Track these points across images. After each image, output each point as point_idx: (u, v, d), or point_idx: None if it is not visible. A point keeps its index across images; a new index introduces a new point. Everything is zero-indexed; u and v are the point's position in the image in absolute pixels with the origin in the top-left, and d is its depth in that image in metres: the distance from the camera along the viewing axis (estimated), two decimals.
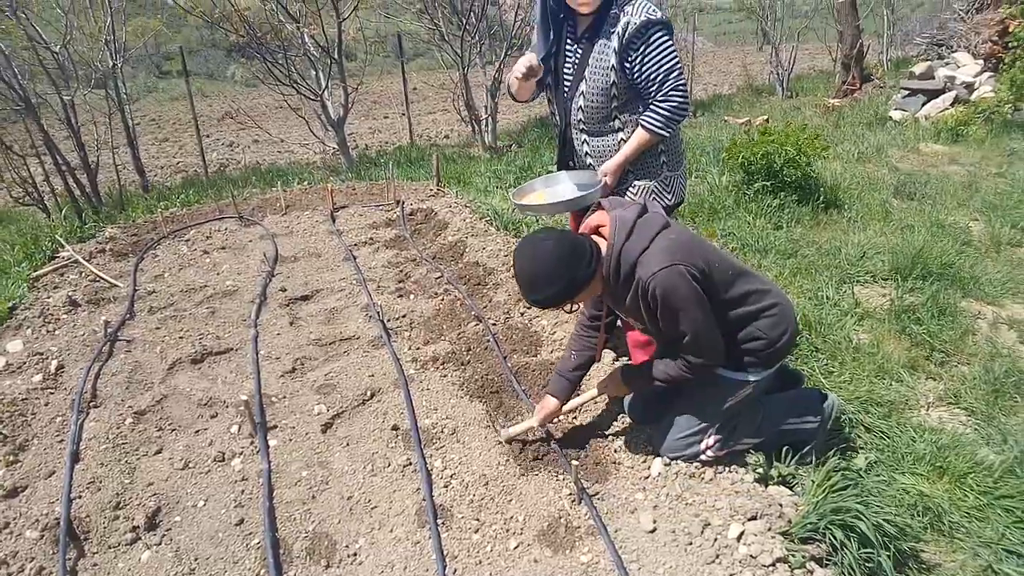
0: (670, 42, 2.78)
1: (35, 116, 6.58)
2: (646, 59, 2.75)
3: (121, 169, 8.02)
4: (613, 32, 2.75)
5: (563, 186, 3.01)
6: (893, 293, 4.02)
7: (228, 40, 9.01)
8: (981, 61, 9.02)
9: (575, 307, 2.48)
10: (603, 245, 2.32)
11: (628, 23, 2.71)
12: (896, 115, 8.67)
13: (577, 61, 2.91)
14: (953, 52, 9.96)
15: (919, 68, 8.89)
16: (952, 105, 8.24)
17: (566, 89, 2.98)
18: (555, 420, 2.82)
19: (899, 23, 17.31)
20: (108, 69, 7.93)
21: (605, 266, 2.30)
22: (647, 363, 2.54)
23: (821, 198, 5.45)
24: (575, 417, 2.93)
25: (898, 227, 5.04)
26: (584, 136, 3.00)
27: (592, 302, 2.63)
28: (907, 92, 8.91)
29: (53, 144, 6.73)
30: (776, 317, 2.39)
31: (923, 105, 8.59)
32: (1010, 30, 8.43)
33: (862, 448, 2.79)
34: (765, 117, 9.97)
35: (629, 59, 2.77)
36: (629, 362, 3.16)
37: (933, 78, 8.72)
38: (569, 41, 2.95)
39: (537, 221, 5.11)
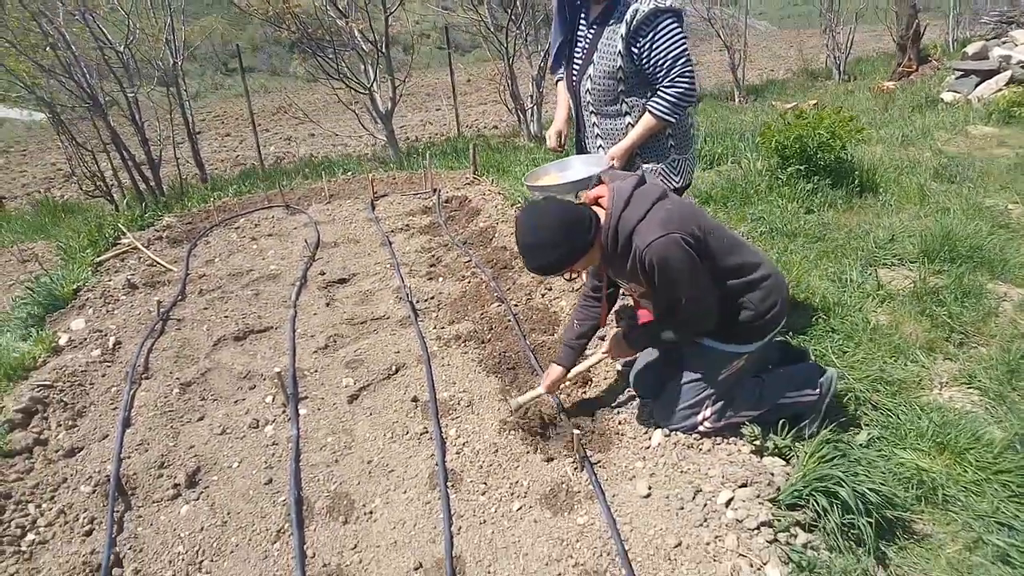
0: (679, 29, 2.87)
1: (103, 114, 7.02)
2: (655, 46, 2.84)
3: (183, 163, 8.46)
4: (623, 19, 2.85)
5: (574, 170, 3.11)
6: (918, 275, 3.99)
7: (286, 37, 9.33)
8: None
9: (575, 275, 2.58)
10: (603, 215, 2.38)
11: (637, 11, 2.81)
12: (948, 97, 8.42)
13: (587, 45, 3.03)
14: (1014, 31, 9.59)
15: (972, 48, 8.59)
16: (1007, 85, 7.94)
17: (575, 71, 3.11)
18: (563, 386, 2.95)
19: (968, 1, 16.65)
20: (169, 67, 8.35)
21: (603, 235, 2.35)
22: (647, 324, 2.64)
23: (856, 182, 5.37)
24: (584, 391, 3.06)
25: (934, 210, 4.95)
26: (594, 118, 3.13)
27: (592, 274, 2.72)
28: (960, 73, 8.62)
29: (120, 140, 7.17)
30: (766, 290, 2.45)
31: (976, 86, 8.30)
32: None
33: (867, 425, 2.84)
34: (814, 101, 9.78)
35: (637, 45, 2.87)
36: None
37: (987, 58, 8.41)
38: (582, 25, 3.08)
39: None
